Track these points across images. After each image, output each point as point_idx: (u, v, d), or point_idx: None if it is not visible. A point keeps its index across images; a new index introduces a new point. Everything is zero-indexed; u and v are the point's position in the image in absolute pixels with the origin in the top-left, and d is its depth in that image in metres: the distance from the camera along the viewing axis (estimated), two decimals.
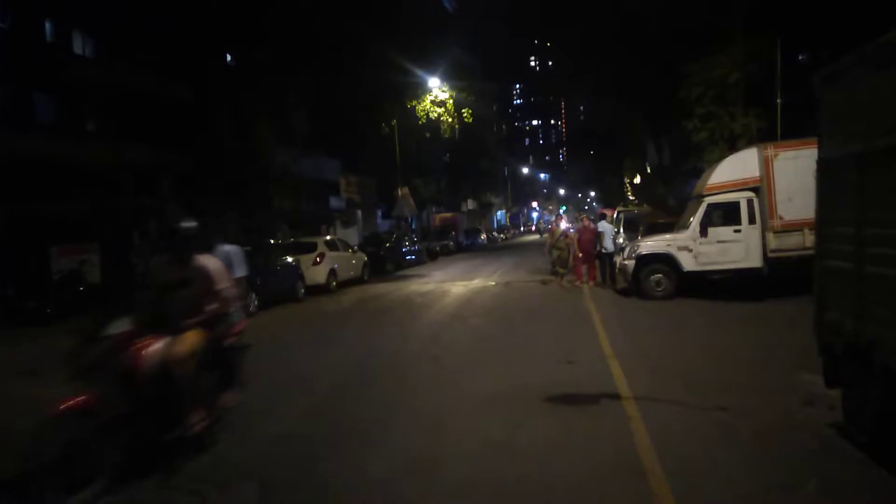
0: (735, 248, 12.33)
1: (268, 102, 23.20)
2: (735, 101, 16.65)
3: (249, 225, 23.33)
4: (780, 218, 11.94)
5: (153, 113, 20.45)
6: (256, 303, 13.90)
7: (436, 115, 32.90)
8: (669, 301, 12.31)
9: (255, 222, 23.91)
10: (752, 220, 12.24)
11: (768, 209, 12.01)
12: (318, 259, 17.74)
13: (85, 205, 17.65)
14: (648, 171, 29.54)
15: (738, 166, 12.58)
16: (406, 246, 27.88)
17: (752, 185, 12.32)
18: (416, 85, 31.76)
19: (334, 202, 33.02)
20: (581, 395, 6.09)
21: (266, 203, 24.39)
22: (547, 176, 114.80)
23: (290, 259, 16.71)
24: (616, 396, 5.96)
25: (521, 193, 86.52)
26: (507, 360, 8.04)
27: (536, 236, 63.72)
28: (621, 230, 20.35)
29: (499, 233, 60.33)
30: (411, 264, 27.22)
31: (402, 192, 33.18)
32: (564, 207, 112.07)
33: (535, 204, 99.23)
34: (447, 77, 33.42)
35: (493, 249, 41.19)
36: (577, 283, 14.60)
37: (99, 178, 18.21)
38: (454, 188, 50.03)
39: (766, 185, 12.02)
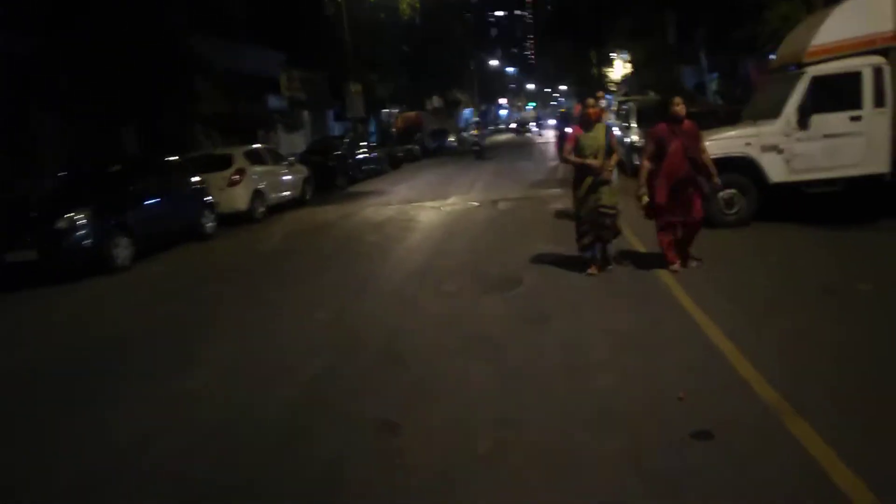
0: (851, 146, 8.05)
1: None
2: None
3: (161, 133, 18.16)
4: None
5: None
6: (129, 251, 9.31)
7: None
8: (747, 228, 8.16)
9: (169, 130, 18.68)
10: (879, 102, 7.90)
11: None
12: (235, 177, 13.00)
13: None
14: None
15: (861, 16, 8.10)
16: (362, 153, 23.00)
17: (881, 47, 7.91)
18: None
19: (275, 102, 27.46)
20: None
21: (180, 106, 19.01)
22: (515, 70, 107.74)
23: (195, 180, 11.96)
24: None
25: (490, 90, 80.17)
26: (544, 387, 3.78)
27: (511, 135, 58.77)
28: (633, 124, 15.96)
29: (469, 132, 55.12)
30: (369, 175, 22.49)
31: (354, 88, 27.86)
32: (534, 104, 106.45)
33: (503, 101, 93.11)
34: None
35: (465, 153, 36.36)
36: (674, 266, 6.22)
37: None
38: (416, 84, 44.23)
39: None
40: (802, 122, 8.12)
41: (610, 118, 9.67)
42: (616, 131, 9.79)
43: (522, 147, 37.14)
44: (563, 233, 9.00)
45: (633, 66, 31.32)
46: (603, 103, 9.36)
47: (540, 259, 7.48)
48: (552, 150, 29.95)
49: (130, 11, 15.29)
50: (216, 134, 21.49)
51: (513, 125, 66.83)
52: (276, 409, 4.05)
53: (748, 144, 8.36)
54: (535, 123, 55.57)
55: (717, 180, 6.31)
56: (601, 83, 49.10)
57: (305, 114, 29.96)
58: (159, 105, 17.65)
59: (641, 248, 7.38)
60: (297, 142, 27.69)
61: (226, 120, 21.62)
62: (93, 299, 7.82)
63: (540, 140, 43.47)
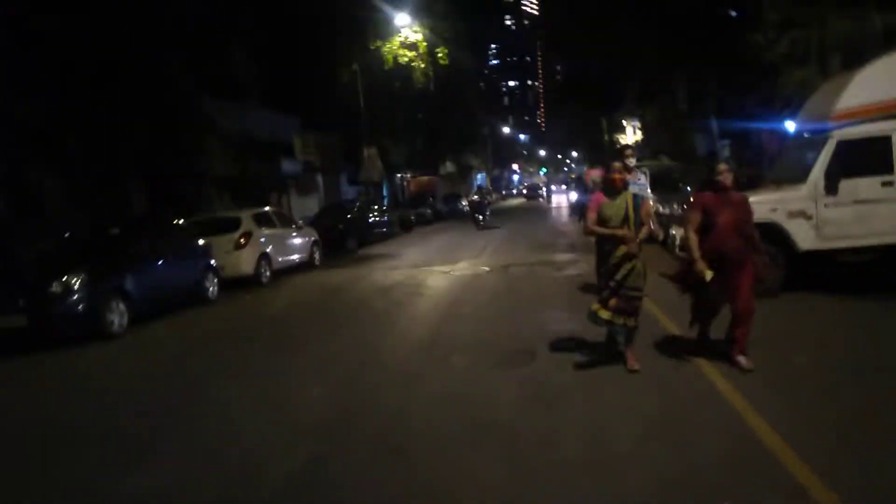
0: (884, 212, 7.61)
1: (184, 39, 17.75)
2: None
3: (171, 194, 18.12)
4: None
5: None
6: (124, 319, 8.92)
7: (406, 59, 27.65)
8: (775, 300, 7.62)
9: (179, 191, 18.65)
10: None
11: None
12: (241, 241, 12.72)
13: None
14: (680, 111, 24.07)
15: (887, 78, 7.80)
16: (373, 216, 22.84)
17: None
18: (380, 22, 26.42)
19: (289, 166, 27.65)
20: None
21: (189, 166, 19.04)
22: (527, 137, 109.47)
23: (200, 242, 11.68)
24: None
25: (502, 155, 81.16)
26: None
27: (522, 200, 59.00)
28: (647, 190, 15.67)
29: (470, 197, 55.39)
30: (380, 238, 22.24)
31: (367, 152, 28.04)
32: (545, 170, 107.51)
33: (515, 166, 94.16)
34: (418, 14, 28.07)
35: None
36: (742, 359, 5.08)
37: None
38: (430, 149, 44.72)
39: None
40: (830, 188, 7.72)
41: (640, 179, 8.37)
42: (647, 193, 8.29)
43: (532, 211, 37.03)
44: (579, 301, 8.56)
45: (644, 132, 31.42)
46: (631, 162, 8.21)
47: (555, 330, 6.97)
48: (564, 214, 29.80)
49: (137, 71, 15.48)
50: (227, 196, 21.51)
51: (524, 191, 67.29)
52: None
53: (774, 210, 7.94)
54: (543, 189, 55.73)
55: (764, 258, 5.38)
56: (612, 149, 49.53)
57: (319, 177, 30.12)
58: (167, 165, 17.70)
59: (675, 331, 6.39)
60: (310, 205, 27.70)
61: (237, 182, 21.68)
62: (73, 371, 7.33)
63: (549, 205, 43.41)
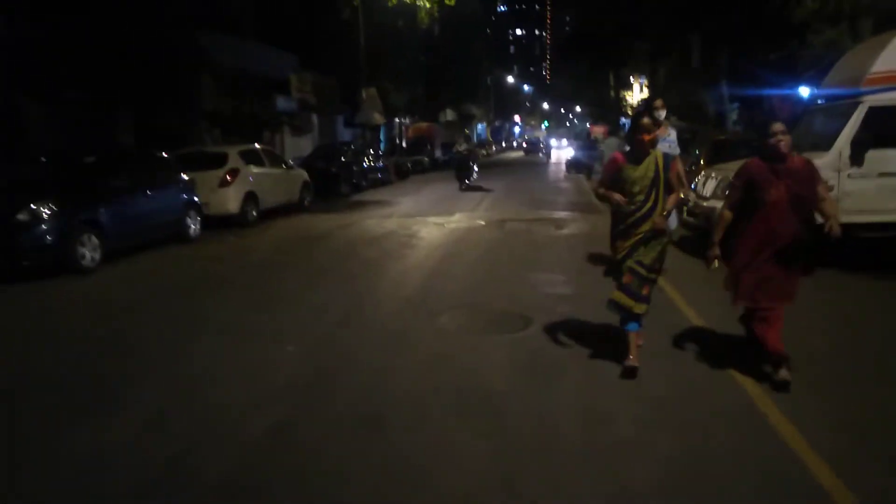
0: None
1: None
2: None
3: (160, 127, 17.34)
4: None
5: None
6: (97, 253, 8.43)
7: None
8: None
9: (168, 124, 17.85)
10: None
11: None
12: (227, 177, 12.13)
13: None
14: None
15: None
16: (368, 161, 22.13)
17: None
18: None
19: (284, 104, 26.71)
20: None
21: (180, 100, 18.19)
22: (531, 89, 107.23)
23: (182, 177, 11.08)
24: None
25: (504, 106, 79.51)
26: None
27: (520, 154, 57.99)
28: (676, 147, 15.07)
29: (481, 148, 54.47)
30: (374, 184, 21.62)
31: (367, 92, 27.11)
32: (547, 123, 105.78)
33: (517, 118, 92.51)
34: None
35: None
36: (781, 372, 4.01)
37: None
38: (432, 96, 43.51)
39: None
40: (856, 158, 7.21)
41: (669, 135, 7.42)
42: (677, 150, 7.22)
43: (531, 166, 36.24)
44: (577, 262, 8.11)
45: (653, 90, 30.45)
46: (661, 115, 7.20)
47: (553, 294, 6.55)
48: (563, 171, 29.15)
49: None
50: (218, 132, 20.73)
51: (523, 144, 66.09)
52: (192, 488, 3.10)
53: None
54: (543, 144, 54.55)
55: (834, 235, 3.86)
56: (619, 106, 48.42)
57: (315, 118, 29.20)
58: (157, 97, 16.90)
59: (697, 321, 5.49)
60: (304, 145, 26.89)
61: (230, 118, 20.85)
62: (37, 306, 6.87)
63: (548, 160, 42.61)
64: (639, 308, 4.25)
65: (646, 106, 4.74)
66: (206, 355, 4.96)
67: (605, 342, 4.76)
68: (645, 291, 4.26)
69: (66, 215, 8.12)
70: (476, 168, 20.79)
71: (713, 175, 8.44)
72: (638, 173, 4.17)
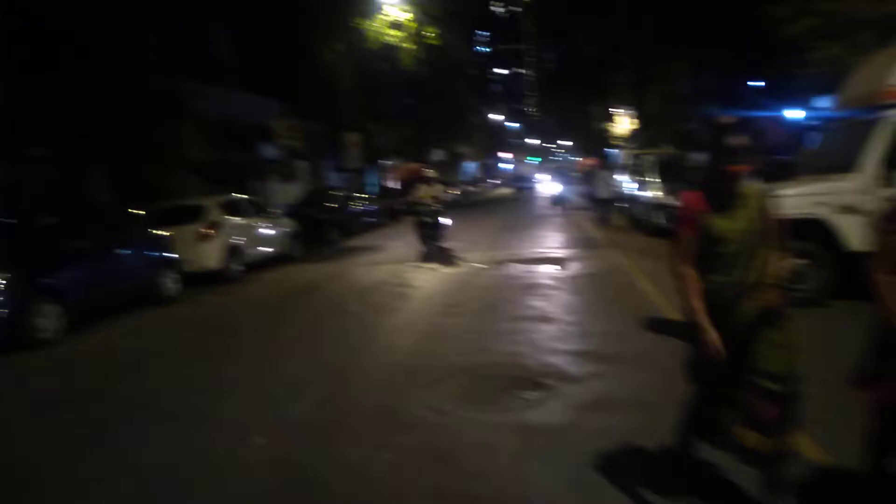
0: None
1: (160, 19, 16.34)
2: None
3: (140, 181, 16.70)
4: None
5: None
6: (60, 323, 7.63)
7: (393, 39, 26.24)
8: (821, 309, 6.48)
9: (149, 177, 17.22)
10: None
11: None
12: (207, 231, 11.40)
13: None
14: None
15: None
16: (359, 205, 21.50)
17: None
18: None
19: (270, 151, 26.22)
20: None
21: (159, 151, 17.59)
22: (518, 126, 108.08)
23: (157, 233, 10.36)
24: None
25: (492, 143, 79.67)
26: None
27: (510, 190, 57.72)
28: (655, 180, 14.54)
29: (473, 186, 54.28)
30: (368, 228, 20.97)
31: (349, 139, 26.78)
32: (539, 159, 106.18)
33: (507, 155, 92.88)
34: None
35: (468, 206, 35.07)
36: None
37: None
38: (420, 136, 43.30)
39: None
40: (889, 177, 6.56)
41: None
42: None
43: (522, 202, 35.70)
44: (590, 308, 7.33)
45: (641, 121, 30.21)
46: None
47: (572, 351, 5.78)
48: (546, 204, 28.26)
49: (107, 49, 14.10)
50: (203, 183, 20.13)
51: (512, 180, 66.09)
52: None
53: (820, 204, 6.78)
54: (529, 180, 54.50)
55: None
56: (603, 139, 48.39)
57: (303, 164, 28.73)
58: (136, 149, 16.33)
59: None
60: (292, 192, 26.35)
61: (214, 168, 20.27)
62: None
63: (537, 196, 42.29)
64: (771, 445, 2.69)
65: (729, 124, 2.88)
66: (156, 455, 4.14)
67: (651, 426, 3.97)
68: (773, 414, 2.68)
69: (20, 284, 7.32)
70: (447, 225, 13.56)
71: None
72: (730, 224, 2.77)
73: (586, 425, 4.11)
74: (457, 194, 31.05)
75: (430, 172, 14.06)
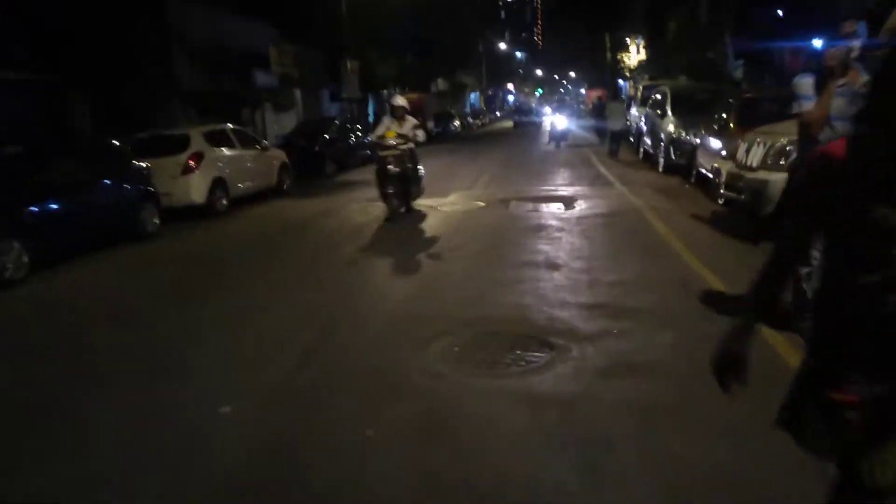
0: None
1: None
2: None
3: (125, 109, 15.82)
4: None
5: None
6: (22, 261, 7.05)
7: None
8: None
9: (135, 105, 16.32)
10: None
11: None
12: (190, 163, 10.68)
13: None
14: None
15: None
16: (356, 137, 20.60)
17: None
18: None
19: (264, 80, 24.99)
20: None
21: (148, 77, 16.58)
22: (523, 56, 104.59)
23: (136, 164, 9.65)
24: None
25: (497, 74, 77.17)
26: None
27: (511, 123, 56.16)
28: (668, 113, 13.66)
29: (475, 118, 52.68)
30: (366, 161, 20.09)
31: (350, 66, 25.51)
32: (541, 90, 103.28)
33: (511, 86, 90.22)
34: None
35: (470, 139, 34.02)
36: None
37: None
38: (422, 65, 41.61)
39: None
40: None
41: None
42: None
43: (524, 136, 34.48)
44: (604, 260, 6.72)
45: (655, 50, 28.78)
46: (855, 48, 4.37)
47: (582, 304, 5.21)
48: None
49: None
50: (195, 112, 19.17)
51: (514, 113, 63.88)
52: None
53: None
54: (535, 112, 52.15)
55: None
56: (616, 69, 46.64)
57: (298, 93, 27.53)
58: (121, 76, 15.40)
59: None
60: (287, 122, 25.35)
61: (206, 98, 19.26)
62: None
63: (541, 128, 40.90)
64: None
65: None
66: (115, 411, 3.62)
67: (663, 378, 3.42)
68: None
69: None
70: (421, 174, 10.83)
71: (759, 140, 7.02)
72: None
73: (600, 395, 3.57)
74: (437, 131, 29.11)
75: (400, 101, 10.37)
